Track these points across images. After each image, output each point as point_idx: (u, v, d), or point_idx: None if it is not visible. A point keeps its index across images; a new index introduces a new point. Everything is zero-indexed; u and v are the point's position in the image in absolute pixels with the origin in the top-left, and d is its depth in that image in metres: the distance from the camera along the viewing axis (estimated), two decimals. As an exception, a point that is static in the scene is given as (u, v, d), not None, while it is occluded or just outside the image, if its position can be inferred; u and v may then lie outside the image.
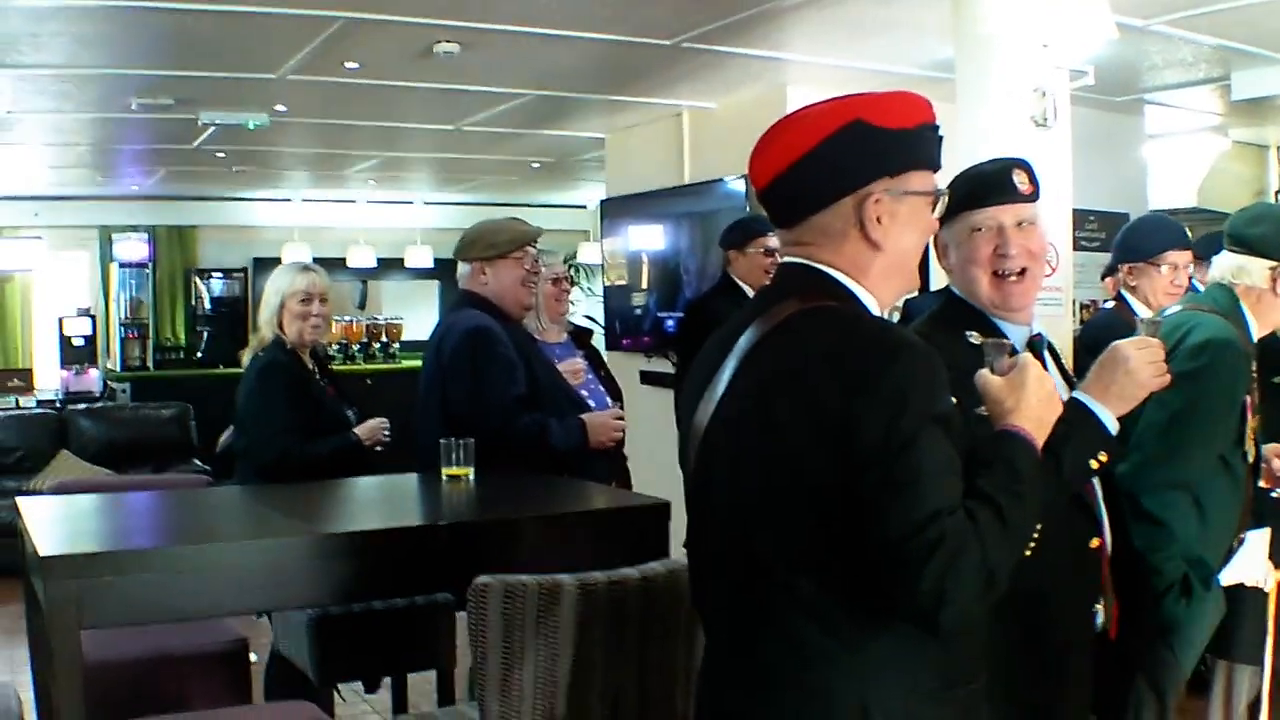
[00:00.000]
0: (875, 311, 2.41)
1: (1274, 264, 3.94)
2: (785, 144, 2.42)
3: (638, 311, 10.63)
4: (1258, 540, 4.09)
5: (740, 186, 8.91)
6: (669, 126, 10.00)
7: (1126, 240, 5.22)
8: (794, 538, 2.22)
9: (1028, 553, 2.27)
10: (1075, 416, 2.78)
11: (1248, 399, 3.86)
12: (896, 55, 7.35)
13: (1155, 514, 3.70)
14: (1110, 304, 5.68)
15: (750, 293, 6.42)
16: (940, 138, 2.47)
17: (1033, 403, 2.39)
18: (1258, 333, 4.00)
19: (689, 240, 9.92)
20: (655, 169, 10.17)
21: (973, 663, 2.36)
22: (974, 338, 2.94)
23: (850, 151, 2.36)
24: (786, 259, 2.48)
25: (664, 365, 9.59)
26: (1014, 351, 2.53)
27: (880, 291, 2.43)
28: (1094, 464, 2.86)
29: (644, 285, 10.59)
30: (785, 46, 7.48)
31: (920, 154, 2.43)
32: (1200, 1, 6.56)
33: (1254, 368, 3.96)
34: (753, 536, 2.28)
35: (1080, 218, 7.66)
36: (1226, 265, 4.06)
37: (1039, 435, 2.38)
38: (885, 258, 2.40)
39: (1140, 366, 2.81)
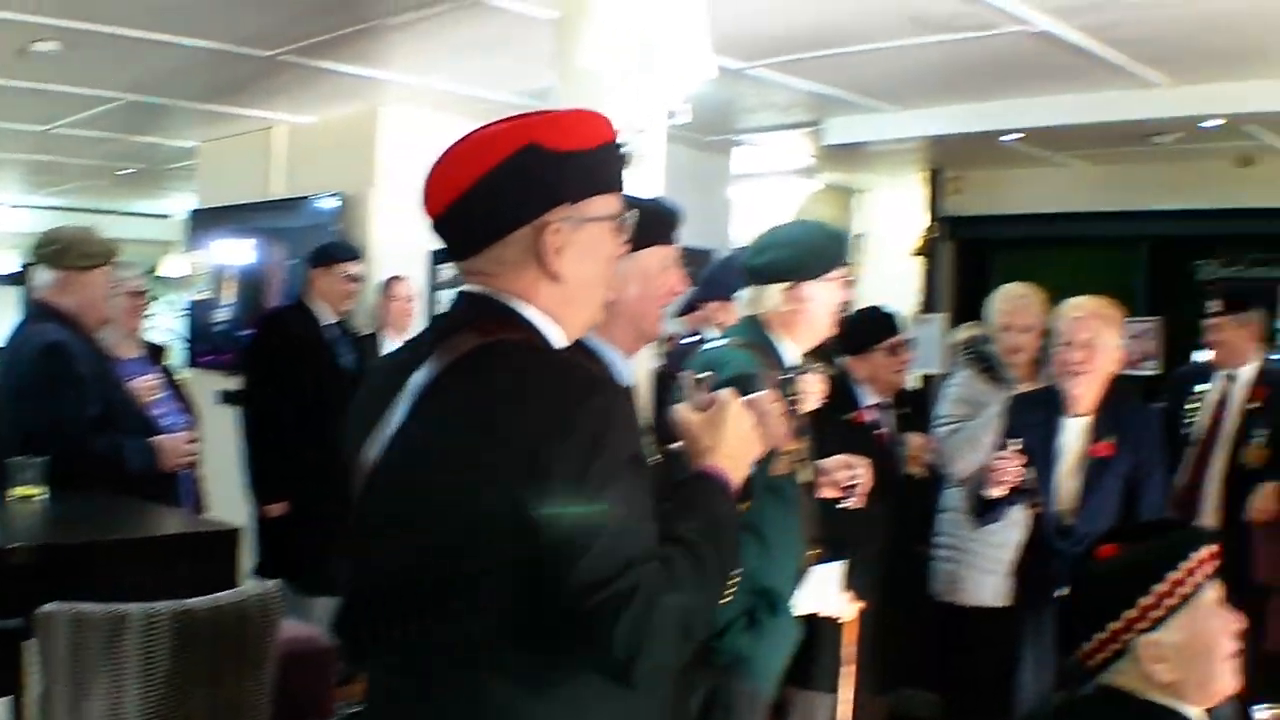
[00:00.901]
0: (559, 344, 2.26)
1: (786, 285, 3.97)
2: (456, 172, 2.21)
3: (220, 327, 10.25)
4: (831, 573, 4.18)
5: (330, 204, 8.83)
6: (262, 139, 9.75)
7: (712, 277, 5.34)
8: (479, 585, 2.06)
9: (727, 598, 2.23)
10: None
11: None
12: (497, 81, 7.38)
13: None
14: (691, 339, 5.78)
15: (325, 313, 6.71)
16: (622, 157, 2.34)
17: (731, 441, 2.35)
18: (797, 353, 4.00)
19: (277, 256, 9.63)
20: (248, 182, 9.87)
21: (664, 703, 2.32)
22: None
23: (525, 179, 2.18)
24: (465, 287, 2.28)
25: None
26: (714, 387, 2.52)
27: (565, 323, 2.27)
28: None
29: (228, 300, 10.23)
30: (383, 64, 7.44)
31: (601, 177, 2.28)
32: (799, 47, 6.80)
33: (792, 391, 3.97)
34: (433, 584, 2.09)
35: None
36: (748, 298, 4.14)
37: (736, 474, 2.33)
38: (566, 288, 2.25)
39: (775, 419, 2.88)
